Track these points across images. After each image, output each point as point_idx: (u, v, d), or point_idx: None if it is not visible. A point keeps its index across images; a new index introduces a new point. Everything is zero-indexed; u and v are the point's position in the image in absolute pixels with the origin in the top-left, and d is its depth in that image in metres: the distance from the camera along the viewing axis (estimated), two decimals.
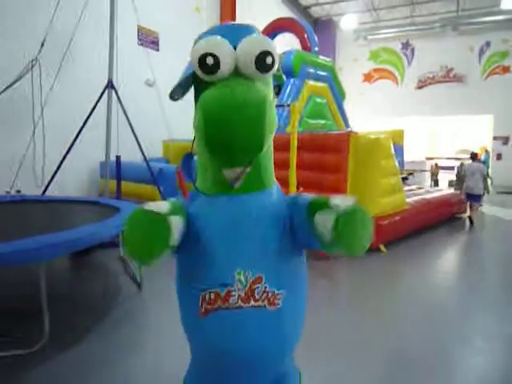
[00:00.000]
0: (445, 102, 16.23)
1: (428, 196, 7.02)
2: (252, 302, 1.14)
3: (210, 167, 1.17)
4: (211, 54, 1.04)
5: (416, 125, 17.56)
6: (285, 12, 14.56)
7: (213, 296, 1.14)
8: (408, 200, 6.04)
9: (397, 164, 5.46)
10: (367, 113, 16.66)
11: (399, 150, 11.56)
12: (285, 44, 10.08)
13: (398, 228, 5.34)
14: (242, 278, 1.13)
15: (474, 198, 7.37)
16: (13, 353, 2.29)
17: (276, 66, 1.11)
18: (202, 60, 1.04)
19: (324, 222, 1.03)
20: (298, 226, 1.18)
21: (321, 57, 8.42)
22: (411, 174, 12.19)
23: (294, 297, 1.21)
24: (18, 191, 5.55)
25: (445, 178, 13.88)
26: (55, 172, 4.63)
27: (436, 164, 14.46)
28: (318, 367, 2.31)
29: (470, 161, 7.78)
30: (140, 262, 1.03)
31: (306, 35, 8.38)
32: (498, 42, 15.48)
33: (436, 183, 13.54)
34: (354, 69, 18.12)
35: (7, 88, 4.64)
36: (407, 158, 13.72)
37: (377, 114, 16.85)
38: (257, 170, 1.17)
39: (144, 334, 2.77)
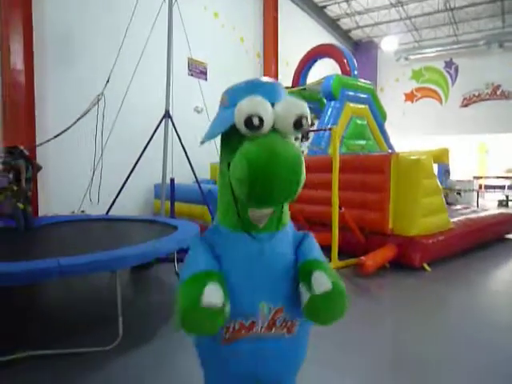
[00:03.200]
0: (492, 120, 15.80)
1: (474, 216, 6.91)
2: (273, 331, 1.30)
3: (234, 206, 1.25)
4: (257, 115, 1.09)
5: (465, 143, 17.12)
6: (325, 37, 14.90)
7: (237, 326, 1.28)
8: (453, 220, 6.01)
9: (439, 184, 5.50)
10: (411, 132, 16.50)
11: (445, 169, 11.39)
12: (325, 68, 10.40)
13: (442, 247, 5.34)
14: (265, 311, 1.28)
15: None
16: (92, 349, 2.65)
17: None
18: (248, 120, 1.10)
19: (303, 293, 1.24)
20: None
21: (361, 80, 8.65)
22: (458, 193, 11.87)
23: (305, 322, 1.36)
24: (83, 211, 6.15)
25: (492, 197, 13.33)
26: (118, 193, 5.14)
27: None
28: None
29: None
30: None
31: (345, 60, 8.67)
32: None
33: None
34: (395, 88, 18.11)
35: (79, 119, 5.27)
36: (454, 176, 13.44)
37: (421, 132, 16.64)
38: (279, 212, 1.29)
39: None
